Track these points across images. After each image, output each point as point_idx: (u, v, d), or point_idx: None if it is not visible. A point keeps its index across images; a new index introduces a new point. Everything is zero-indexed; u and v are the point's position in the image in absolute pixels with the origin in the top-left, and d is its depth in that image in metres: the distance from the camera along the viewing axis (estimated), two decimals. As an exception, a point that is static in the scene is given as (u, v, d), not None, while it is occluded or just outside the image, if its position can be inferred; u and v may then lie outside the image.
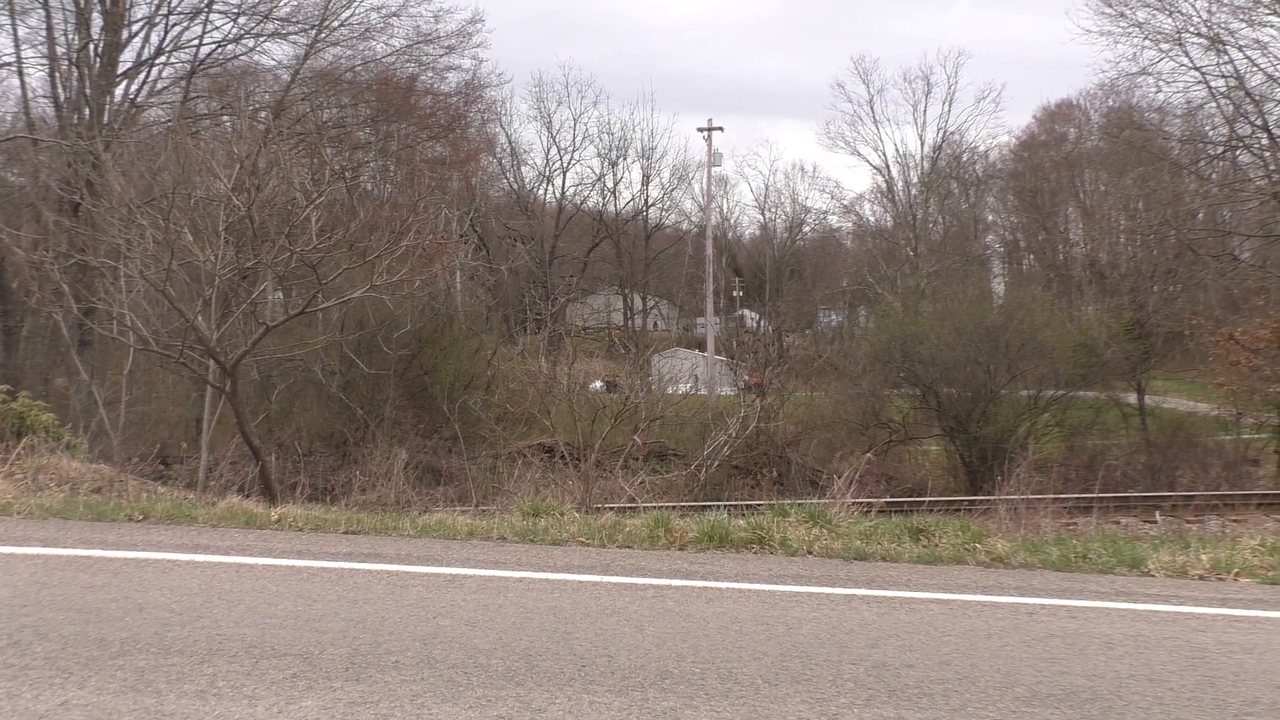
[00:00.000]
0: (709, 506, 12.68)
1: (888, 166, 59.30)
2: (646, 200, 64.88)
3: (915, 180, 57.99)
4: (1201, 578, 6.62)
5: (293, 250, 12.21)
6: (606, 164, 63.21)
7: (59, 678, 4.02)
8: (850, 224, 69.93)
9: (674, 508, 10.68)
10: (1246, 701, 4.17)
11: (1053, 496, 14.55)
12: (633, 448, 17.35)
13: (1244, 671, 4.55)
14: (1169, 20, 30.74)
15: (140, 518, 7.71)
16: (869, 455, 17.30)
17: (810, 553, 7.10)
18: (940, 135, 58.37)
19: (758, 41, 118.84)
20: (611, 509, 10.17)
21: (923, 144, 57.66)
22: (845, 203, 76.06)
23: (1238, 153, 34.83)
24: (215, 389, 13.56)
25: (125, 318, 13.41)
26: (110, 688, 3.94)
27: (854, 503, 9.48)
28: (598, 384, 31.80)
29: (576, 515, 8.46)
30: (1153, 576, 6.66)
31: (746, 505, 14.66)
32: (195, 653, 4.38)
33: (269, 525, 7.65)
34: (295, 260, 12.71)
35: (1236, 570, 6.70)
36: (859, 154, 79.29)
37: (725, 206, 76.36)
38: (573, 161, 65.50)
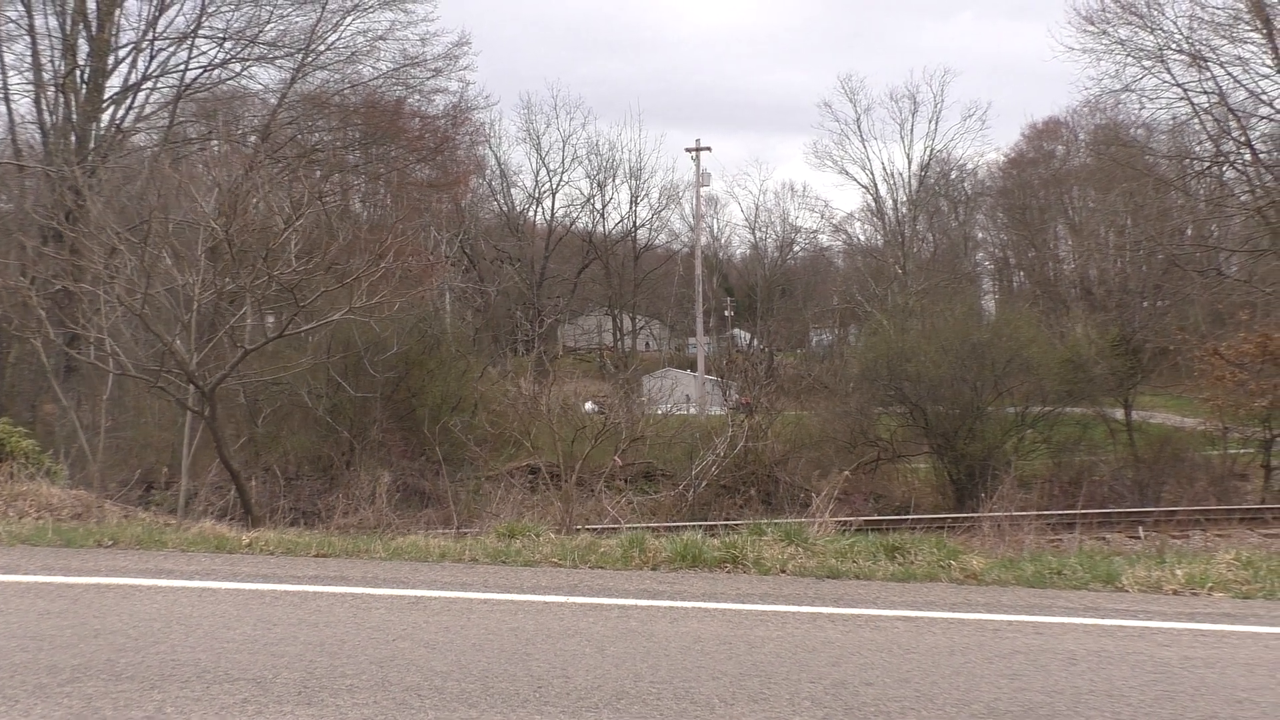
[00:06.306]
0: (688, 526, 12.63)
1: (875, 185, 59.67)
2: (635, 221, 65.16)
3: (904, 198, 58.31)
4: (1175, 593, 6.59)
5: (270, 274, 12.19)
6: (595, 185, 63.53)
7: (3, 706, 3.97)
8: (840, 243, 70.32)
9: (652, 528, 10.63)
10: (1204, 716, 4.14)
11: (1036, 513, 14.54)
12: (613, 468, 17.29)
13: (1205, 686, 4.52)
14: (1151, 37, 30.98)
15: (109, 543, 7.65)
16: (846, 474, 17.26)
17: (784, 571, 7.06)
18: (928, 153, 58.82)
19: (751, 58, 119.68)
20: (593, 530, 10.13)
21: (910, 162, 58.30)
22: (835, 222, 76.62)
23: (1223, 168, 35.03)
24: (194, 414, 13.52)
25: (104, 343, 13.37)
26: (55, 715, 3.89)
27: (835, 521, 9.45)
28: (590, 405, 31.72)
29: (553, 536, 8.42)
30: (1126, 592, 6.62)
31: (727, 525, 14.61)
32: (146, 678, 4.33)
33: (240, 549, 7.58)
34: (274, 284, 12.70)
35: (1210, 585, 6.67)
36: (847, 173, 79.30)
37: (715, 226, 76.81)
38: (562, 183, 65.87)
